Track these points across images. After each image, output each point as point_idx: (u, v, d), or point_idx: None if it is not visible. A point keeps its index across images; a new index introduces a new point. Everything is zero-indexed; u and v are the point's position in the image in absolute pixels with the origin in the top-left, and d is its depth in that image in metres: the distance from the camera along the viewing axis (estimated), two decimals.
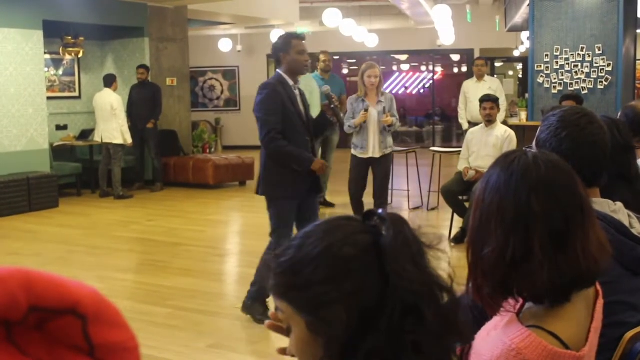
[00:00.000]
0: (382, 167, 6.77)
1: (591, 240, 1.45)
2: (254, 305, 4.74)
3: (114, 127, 9.90)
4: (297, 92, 4.60)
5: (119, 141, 9.95)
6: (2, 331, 0.70)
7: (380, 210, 1.15)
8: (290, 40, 4.53)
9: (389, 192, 9.12)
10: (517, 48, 16.21)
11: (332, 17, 11.46)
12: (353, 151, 6.88)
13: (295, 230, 4.58)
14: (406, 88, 20.21)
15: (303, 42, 4.57)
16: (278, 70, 4.61)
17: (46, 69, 10.42)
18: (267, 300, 4.74)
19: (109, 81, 10.09)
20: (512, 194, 1.46)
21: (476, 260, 1.51)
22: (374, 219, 1.15)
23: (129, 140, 10.02)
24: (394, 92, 19.85)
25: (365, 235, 1.12)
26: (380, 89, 6.73)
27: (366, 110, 6.61)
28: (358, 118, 6.65)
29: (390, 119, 6.62)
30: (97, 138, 10.20)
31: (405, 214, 8.63)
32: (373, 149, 6.74)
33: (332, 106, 4.67)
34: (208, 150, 12.81)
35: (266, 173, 4.57)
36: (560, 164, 1.51)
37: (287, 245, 1.17)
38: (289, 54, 4.50)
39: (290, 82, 4.55)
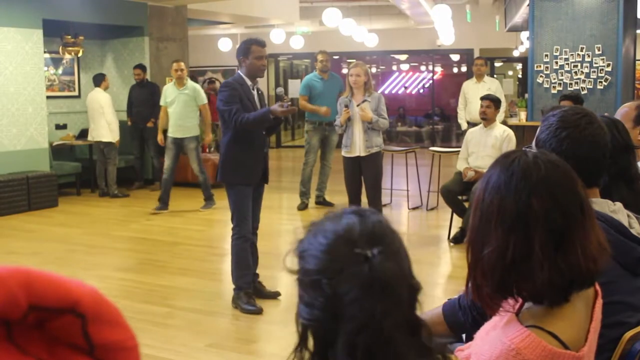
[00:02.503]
0: (370, 167, 6.76)
1: (591, 240, 1.46)
2: (239, 295, 4.98)
3: (102, 125, 9.91)
4: (254, 92, 5.00)
5: (107, 139, 9.95)
6: (2, 331, 0.70)
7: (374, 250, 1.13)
8: (250, 46, 4.92)
9: (389, 192, 9.14)
10: (516, 48, 16.20)
11: (332, 17, 11.46)
12: (342, 151, 6.88)
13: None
14: (406, 88, 20.21)
15: (263, 48, 4.97)
16: (239, 71, 5.02)
17: (46, 68, 10.41)
18: (250, 290, 5.02)
19: (98, 80, 10.09)
20: (512, 194, 1.46)
21: (476, 260, 1.51)
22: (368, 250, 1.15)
23: (117, 138, 9.99)
24: (393, 92, 19.86)
25: (361, 267, 1.12)
26: (368, 88, 6.70)
27: (346, 106, 6.61)
28: (341, 116, 6.64)
29: (369, 115, 6.56)
30: (89, 137, 10.22)
31: (405, 214, 8.63)
32: (359, 148, 6.72)
33: (285, 106, 4.95)
34: (207, 150, 12.78)
35: (225, 160, 4.98)
36: (560, 164, 1.51)
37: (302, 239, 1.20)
38: (248, 58, 4.91)
39: (249, 83, 4.97)
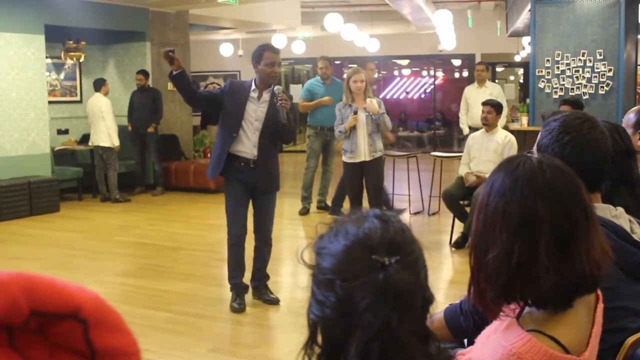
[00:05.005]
0: (373, 171, 6.78)
1: (595, 245, 1.45)
2: (232, 296, 5.12)
3: (101, 130, 9.92)
4: (267, 98, 4.91)
5: (106, 144, 9.94)
6: (4, 336, 0.70)
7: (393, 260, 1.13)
8: (263, 52, 4.88)
9: (391, 197, 9.12)
10: (518, 53, 16.21)
11: (334, 22, 11.46)
12: (343, 157, 6.88)
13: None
14: (407, 93, 20.19)
15: (275, 55, 4.90)
16: (255, 77, 5.01)
17: (48, 74, 10.42)
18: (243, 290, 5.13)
19: (98, 85, 10.09)
20: (517, 199, 1.45)
21: (479, 265, 1.50)
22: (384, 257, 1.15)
23: (116, 143, 9.98)
24: (395, 97, 19.85)
25: (376, 274, 1.12)
26: (367, 93, 6.72)
27: (355, 113, 6.62)
28: (348, 121, 6.65)
29: (376, 108, 6.59)
30: (90, 142, 10.24)
31: (406, 219, 8.60)
32: (363, 153, 6.74)
33: (277, 104, 4.87)
34: (209, 155, 12.80)
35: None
36: (565, 168, 1.51)
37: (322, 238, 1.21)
38: (260, 64, 4.88)
39: (254, 94, 4.93)
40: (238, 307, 5.03)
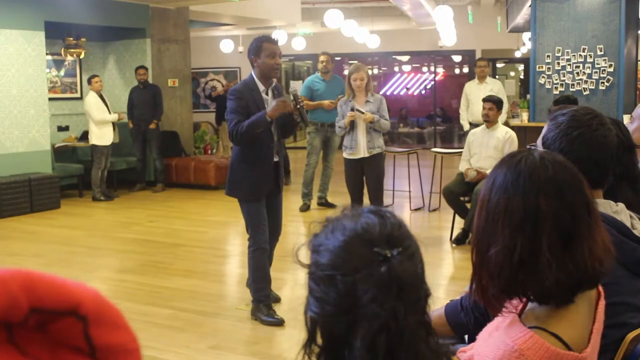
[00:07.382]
0: (373, 168, 6.77)
1: (597, 240, 1.45)
2: (259, 307, 4.80)
3: (90, 128, 9.92)
4: (269, 95, 4.66)
5: (92, 141, 9.91)
6: (4, 333, 0.70)
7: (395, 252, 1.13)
8: (262, 44, 4.56)
9: (391, 193, 9.13)
10: (518, 49, 16.20)
11: (334, 18, 11.45)
12: (344, 153, 6.89)
13: None
14: (407, 89, 20.19)
15: (275, 45, 4.59)
16: (252, 72, 4.69)
17: (48, 70, 10.42)
18: (269, 300, 4.86)
19: (88, 81, 10.05)
20: (520, 194, 1.45)
21: (482, 261, 1.50)
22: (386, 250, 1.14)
23: (102, 143, 9.87)
24: (395, 93, 19.85)
25: (379, 267, 1.11)
26: (369, 90, 6.72)
27: (352, 110, 6.63)
28: (346, 118, 6.67)
29: (370, 116, 6.59)
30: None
31: (407, 215, 8.62)
32: (363, 149, 6.75)
33: (298, 106, 4.68)
34: (210, 152, 12.80)
35: (231, 174, 4.77)
36: (567, 164, 1.51)
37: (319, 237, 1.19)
38: (260, 57, 4.56)
39: (261, 87, 4.63)
40: (278, 320, 4.68)
